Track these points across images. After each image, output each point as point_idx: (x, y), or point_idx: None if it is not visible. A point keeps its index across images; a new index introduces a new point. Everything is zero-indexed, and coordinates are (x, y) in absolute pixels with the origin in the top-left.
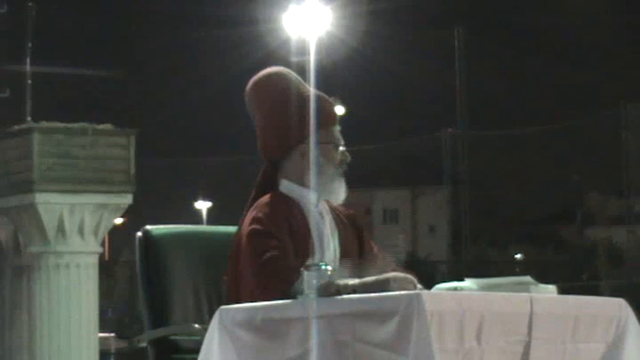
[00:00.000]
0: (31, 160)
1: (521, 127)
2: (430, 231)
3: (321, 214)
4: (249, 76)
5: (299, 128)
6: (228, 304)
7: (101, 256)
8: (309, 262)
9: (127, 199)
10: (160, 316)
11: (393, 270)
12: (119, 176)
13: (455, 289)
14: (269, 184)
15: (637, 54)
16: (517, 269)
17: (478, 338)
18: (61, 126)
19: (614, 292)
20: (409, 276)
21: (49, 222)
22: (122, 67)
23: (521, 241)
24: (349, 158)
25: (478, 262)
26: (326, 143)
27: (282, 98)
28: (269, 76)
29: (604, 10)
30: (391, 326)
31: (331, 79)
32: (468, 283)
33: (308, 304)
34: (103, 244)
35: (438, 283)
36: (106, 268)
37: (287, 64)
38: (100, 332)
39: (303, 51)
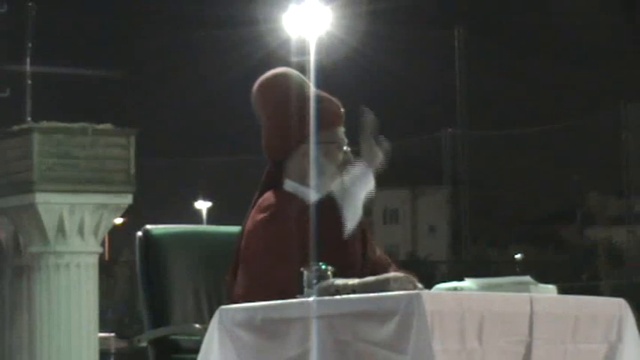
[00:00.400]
0: (31, 160)
1: (521, 127)
2: (430, 231)
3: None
4: (249, 75)
5: (301, 128)
6: (230, 303)
7: (101, 256)
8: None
9: (127, 199)
10: (159, 315)
11: (394, 270)
12: (119, 176)
13: (455, 289)
14: (273, 184)
15: (637, 54)
16: (517, 269)
17: (479, 338)
18: (61, 126)
19: (614, 292)
20: (409, 276)
21: (49, 222)
22: (122, 67)
23: (521, 241)
24: (352, 159)
25: (478, 262)
26: (329, 143)
27: (286, 99)
28: (274, 76)
29: (604, 10)
30: (391, 326)
31: (331, 79)
32: (467, 283)
33: (308, 304)
34: (103, 244)
35: (437, 283)
36: (106, 268)
37: (287, 64)
38: (100, 332)
39: (303, 51)
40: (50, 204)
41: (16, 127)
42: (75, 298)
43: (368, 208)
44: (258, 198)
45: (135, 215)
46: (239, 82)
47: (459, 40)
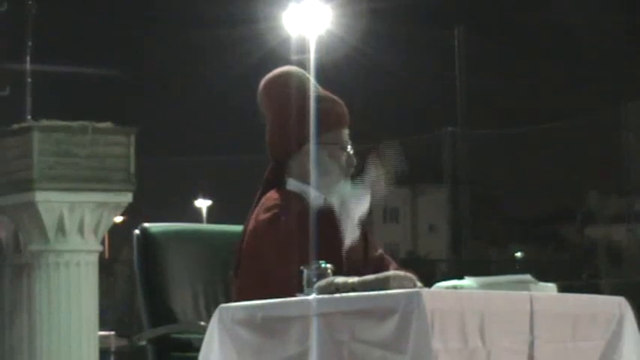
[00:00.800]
0: (31, 158)
1: (521, 126)
2: (430, 230)
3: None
4: (249, 74)
5: (305, 128)
6: (232, 302)
7: (101, 254)
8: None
9: (127, 198)
10: (158, 314)
11: (395, 269)
12: (119, 175)
13: (454, 287)
14: (276, 183)
15: (637, 53)
16: (517, 268)
17: (482, 337)
18: (61, 124)
19: (614, 291)
20: (409, 274)
21: (49, 220)
22: (122, 65)
23: (521, 239)
24: (355, 161)
25: (478, 260)
26: (332, 144)
27: (291, 98)
28: (280, 75)
29: (604, 10)
30: (391, 324)
31: (331, 77)
32: (467, 281)
33: (308, 303)
34: (103, 243)
35: (437, 281)
36: (106, 267)
37: (287, 63)
38: (100, 330)
39: (303, 49)
40: (50, 202)
41: (16, 126)
42: (75, 297)
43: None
44: (261, 196)
45: (135, 214)
46: (239, 80)
47: (459, 39)
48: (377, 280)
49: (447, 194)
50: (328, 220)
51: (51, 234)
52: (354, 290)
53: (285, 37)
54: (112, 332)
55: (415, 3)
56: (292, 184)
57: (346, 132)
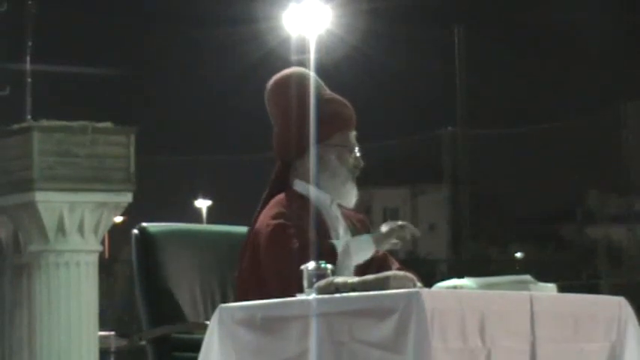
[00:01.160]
0: (31, 158)
1: (521, 126)
2: (430, 229)
3: (336, 214)
4: (249, 74)
5: (317, 129)
6: (238, 301)
7: (101, 254)
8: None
9: (127, 198)
10: (157, 313)
11: (398, 269)
12: (119, 174)
13: (454, 287)
14: (283, 183)
15: (637, 53)
16: (517, 268)
17: (482, 337)
18: (61, 124)
19: (613, 291)
20: (409, 274)
21: (49, 220)
22: (122, 65)
23: (521, 239)
24: (362, 164)
25: (478, 260)
26: (341, 147)
27: (300, 99)
28: (289, 76)
29: (604, 10)
30: (390, 324)
31: (331, 77)
32: (467, 281)
33: (307, 302)
34: (102, 243)
35: (437, 281)
36: (105, 267)
37: (287, 63)
38: (100, 330)
39: (303, 49)
40: (50, 202)
41: (16, 126)
42: (75, 297)
43: (368, 206)
44: (268, 197)
45: (135, 214)
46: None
47: (459, 38)
48: (377, 280)
49: (447, 194)
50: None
51: (51, 234)
52: (353, 290)
53: (285, 37)
54: (112, 332)
55: (415, 3)
56: (299, 185)
57: (354, 134)
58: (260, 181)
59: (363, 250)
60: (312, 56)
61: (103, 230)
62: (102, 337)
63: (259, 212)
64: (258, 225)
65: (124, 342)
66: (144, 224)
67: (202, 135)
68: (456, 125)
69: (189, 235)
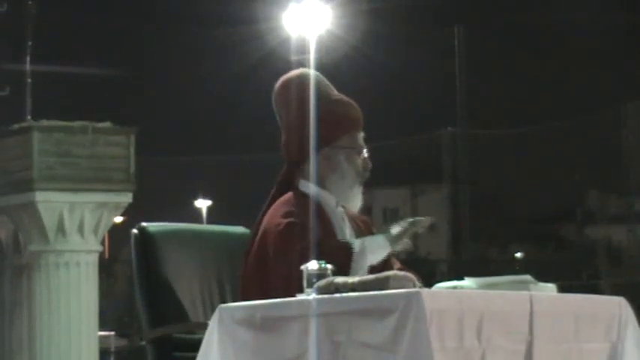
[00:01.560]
0: (31, 158)
1: (521, 126)
2: (430, 230)
3: (341, 216)
4: (249, 74)
5: (325, 131)
6: (241, 300)
7: (101, 254)
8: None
9: (127, 198)
10: (156, 313)
11: (400, 269)
12: (119, 175)
13: (454, 288)
14: (289, 184)
15: (637, 53)
16: (517, 268)
17: (479, 337)
18: (61, 125)
19: (613, 291)
20: (409, 274)
21: (49, 221)
22: (122, 66)
23: (521, 239)
24: (370, 165)
25: (478, 260)
26: (349, 148)
27: (309, 100)
28: (298, 76)
29: (604, 10)
30: (390, 324)
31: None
32: (467, 282)
33: (307, 302)
34: (102, 243)
35: (438, 281)
36: (105, 267)
37: (287, 63)
38: (100, 330)
39: (303, 50)
40: (50, 203)
41: (16, 126)
42: (75, 297)
43: (368, 207)
44: (275, 196)
45: (135, 214)
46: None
47: (459, 39)
48: (377, 280)
49: (447, 194)
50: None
51: (51, 234)
52: (353, 290)
53: (285, 38)
54: (112, 332)
55: (415, 3)
56: (305, 186)
57: (361, 135)
58: (260, 181)
59: (378, 250)
60: (312, 56)
61: (103, 230)
62: (102, 337)
63: (265, 211)
64: (266, 224)
65: (123, 342)
66: (144, 224)
67: (202, 135)
68: (456, 125)
69: (189, 235)
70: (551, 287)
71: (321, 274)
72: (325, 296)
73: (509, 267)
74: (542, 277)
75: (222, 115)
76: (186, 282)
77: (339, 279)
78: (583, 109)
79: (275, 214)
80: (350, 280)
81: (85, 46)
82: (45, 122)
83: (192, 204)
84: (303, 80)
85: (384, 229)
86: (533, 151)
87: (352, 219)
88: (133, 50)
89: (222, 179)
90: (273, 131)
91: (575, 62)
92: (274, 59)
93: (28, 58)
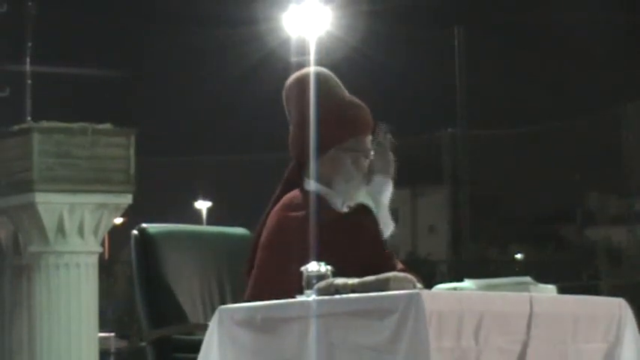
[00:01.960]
0: (31, 159)
1: (521, 126)
2: (430, 231)
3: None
4: (249, 75)
5: (334, 132)
6: (250, 300)
7: (101, 255)
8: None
9: (127, 199)
10: (156, 314)
11: (402, 270)
12: (119, 176)
13: (454, 289)
14: (295, 183)
15: (637, 53)
16: (517, 269)
17: (476, 337)
18: (61, 126)
19: (613, 292)
20: (409, 275)
21: (48, 222)
22: (122, 67)
23: (521, 240)
24: (374, 169)
25: (478, 261)
26: (357, 151)
27: (322, 100)
28: (309, 75)
29: (604, 10)
30: (389, 326)
31: None
32: (467, 283)
33: (307, 304)
34: (102, 244)
35: (438, 282)
36: (105, 268)
37: (287, 64)
38: (100, 332)
39: (303, 51)
40: (50, 204)
41: (15, 127)
42: (75, 298)
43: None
44: (280, 194)
45: (135, 215)
46: (239, 81)
47: (459, 39)
48: (377, 281)
49: (447, 195)
50: (358, 221)
51: (51, 235)
52: (353, 292)
53: (285, 38)
54: (112, 333)
55: (415, 3)
56: (312, 186)
57: (369, 139)
58: (260, 181)
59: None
60: (312, 57)
61: (103, 231)
62: (102, 339)
63: (271, 209)
64: (272, 219)
65: (123, 343)
66: (144, 225)
67: (202, 135)
68: (455, 126)
69: (189, 236)
70: (551, 289)
71: (320, 276)
72: (325, 297)
73: (509, 267)
74: (542, 277)
75: (222, 115)
76: (186, 283)
77: (339, 280)
78: (583, 109)
79: (281, 212)
80: (350, 281)
81: (85, 46)
82: (45, 123)
83: (192, 205)
84: (315, 79)
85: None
86: (533, 151)
87: None
88: (133, 50)
89: (222, 180)
90: (273, 131)
91: (575, 62)
92: (274, 60)
93: (28, 59)
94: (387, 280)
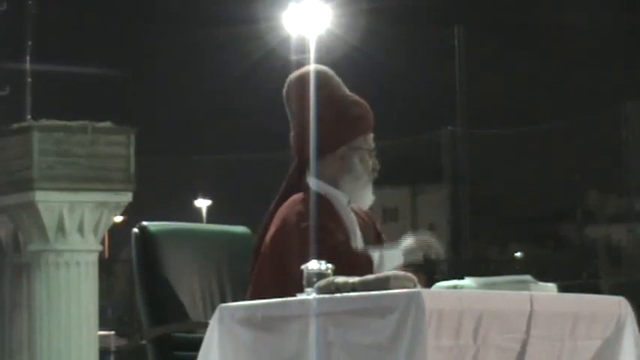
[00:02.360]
0: (31, 158)
1: (521, 126)
2: (430, 229)
3: (351, 214)
4: (249, 74)
5: (344, 131)
6: (254, 299)
7: (101, 254)
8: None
9: (127, 197)
10: (156, 312)
11: (403, 270)
12: (119, 174)
13: (454, 287)
14: (298, 181)
15: (637, 53)
16: (517, 267)
17: (475, 336)
18: (61, 124)
19: (613, 291)
20: (409, 274)
21: (48, 220)
22: (122, 65)
23: (521, 239)
24: (379, 166)
25: (478, 260)
26: (363, 149)
27: (327, 99)
28: (316, 73)
29: (604, 10)
30: (390, 324)
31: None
32: (467, 281)
33: (308, 302)
34: (102, 242)
35: (437, 281)
36: (105, 266)
37: (287, 63)
38: (100, 330)
39: (303, 49)
40: (50, 202)
41: (15, 125)
42: (75, 296)
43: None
44: (284, 194)
45: (135, 213)
46: (239, 80)
47: (459, 39)
48: (377, 280)
49: (447, 194)
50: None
51: (51, 234)
52: (354, 290)
53: (285, 37)
54: (112, 332)
55: (415, 3)
56: (317, 185)
57: (372, 136)
58: (260, 181)
59: (394, 262)
60: (312, 56)
61: (103, 230)
62: (102, 337)
63: (275, 208)
64: (276, 223)
65: (123, 341)
66: (144, 223)
67: (202, 135)
68: (455, 125)
69: (189, 234)
70: (551, 287)
71: (321, 274)
72: (326, 296)
73: (509, 266)
74: (542, 276)
75: (222, 115)
76: (186, 281)
77: (340, 279)
78: (583, 109)
79: (287, 214)
80: (350, 279)
81: (85, 45)
82: (45, 122)
83: (192, 203)
84: (316, 78)
85: (394, 242)
86: (533, 151)
87: (357, 213)
88: (133, 50)
89: (222, 179)
90: (273, 130)
91: (575, 62)
92: (274, 59)
93: (28, 58)
94: (388, 278)
